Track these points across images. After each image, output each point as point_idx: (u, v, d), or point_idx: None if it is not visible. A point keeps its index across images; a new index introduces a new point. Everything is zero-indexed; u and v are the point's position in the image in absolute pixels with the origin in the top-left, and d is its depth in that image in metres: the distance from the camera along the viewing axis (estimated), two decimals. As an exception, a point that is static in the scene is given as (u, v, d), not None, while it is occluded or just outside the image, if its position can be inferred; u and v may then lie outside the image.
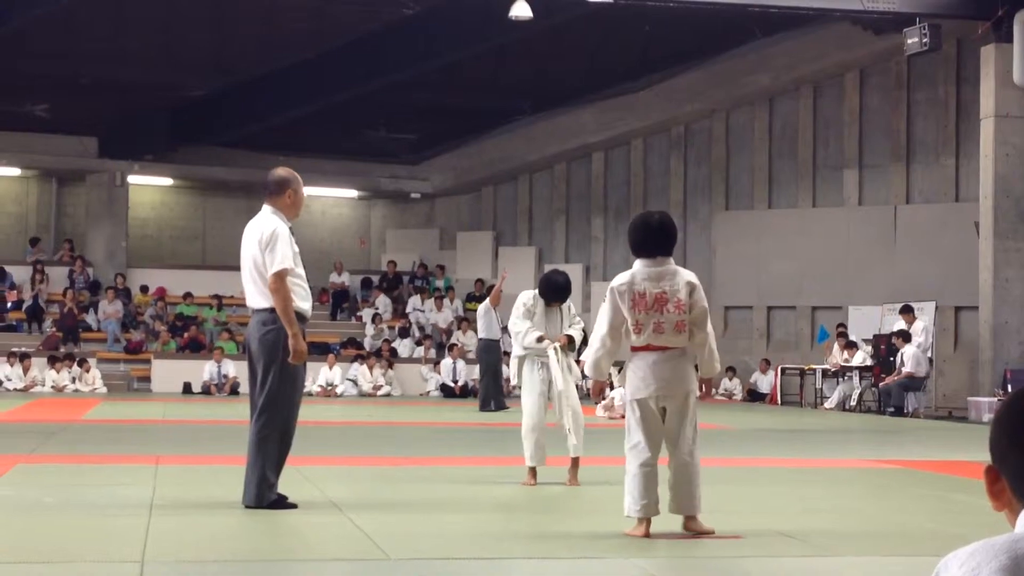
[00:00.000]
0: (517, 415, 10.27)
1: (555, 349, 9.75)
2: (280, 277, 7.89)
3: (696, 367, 7.24)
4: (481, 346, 21.29)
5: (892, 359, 22.65)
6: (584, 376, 9.91)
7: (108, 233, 30.47)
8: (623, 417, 7.73)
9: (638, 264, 7.23)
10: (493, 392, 21.16)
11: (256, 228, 8.10)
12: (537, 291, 10.01)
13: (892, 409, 22.20)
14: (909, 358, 22.30)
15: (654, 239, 7.24)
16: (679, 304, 7.08)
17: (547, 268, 29.35)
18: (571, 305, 10.13)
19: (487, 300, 21.33)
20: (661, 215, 7.46)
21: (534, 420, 9.80)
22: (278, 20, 25.54)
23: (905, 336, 22.52)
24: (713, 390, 26.09)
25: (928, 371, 22.86)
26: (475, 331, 29.95)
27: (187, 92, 28.69)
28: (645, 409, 7.10)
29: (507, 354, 27.20)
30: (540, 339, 9.79)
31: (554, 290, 9.89)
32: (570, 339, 9.85)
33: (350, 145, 31.78)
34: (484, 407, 20.74)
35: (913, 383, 22.34)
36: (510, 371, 10.43)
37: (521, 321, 9.95)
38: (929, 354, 23.03)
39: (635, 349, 7.15)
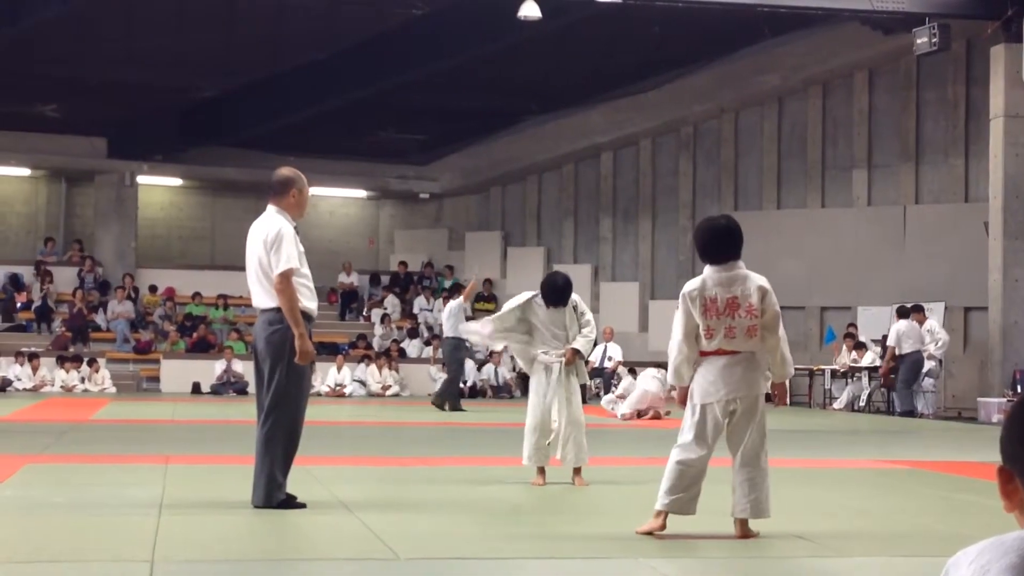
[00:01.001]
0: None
1: (555, 365, 9.77)
2: (286, 277, 7.89)
3: (769, 371, 7.25)
4: (450, 345, 21.11)
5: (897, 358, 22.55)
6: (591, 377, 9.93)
7: (117, 233, 30.52)
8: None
9: (708, 270, 7.19)
10: (451, 392, 21.00)
11: (261, 228, 8.10)
12: (539, 294, 9.95)
13: (899, 411, 22.19)
14: (893, 332, 22.27)
15: (721, 244, 7.20)
16: (751, 309, 7.07)
17: (556, 268, 29.52)
18: (578, 302, 10.04)
19: (458, 298, 21.28)
20: (727, 219, 7.43)
21: (536, 420, 9.80)
22: (287, 21, 25.55)
23: (904, 313, 22.52)
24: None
25: (933, 367, 22.82)
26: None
27: (196, 92, 28.73)
28: (708, 414, 7.07)
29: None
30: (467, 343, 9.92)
31: (553, 291, 9.85)
32: (576, 352, 9.82)
33: (359, 145, 31.80)
34: (442, 406, 20.62)
35: (909, 372, 22.14)
36: (521, 362, 10.36)
37: (504, 312, 9.98)
38: (942, 352, 23.02)
39: (704, 354, 7.13)
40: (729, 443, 7.19)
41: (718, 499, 7.26)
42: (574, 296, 10.01)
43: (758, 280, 7.18)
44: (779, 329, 7.21)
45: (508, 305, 10.10)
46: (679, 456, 7.09)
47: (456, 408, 20.65)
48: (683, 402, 7.31)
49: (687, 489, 7.04)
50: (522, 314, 9.92)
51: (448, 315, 21.07)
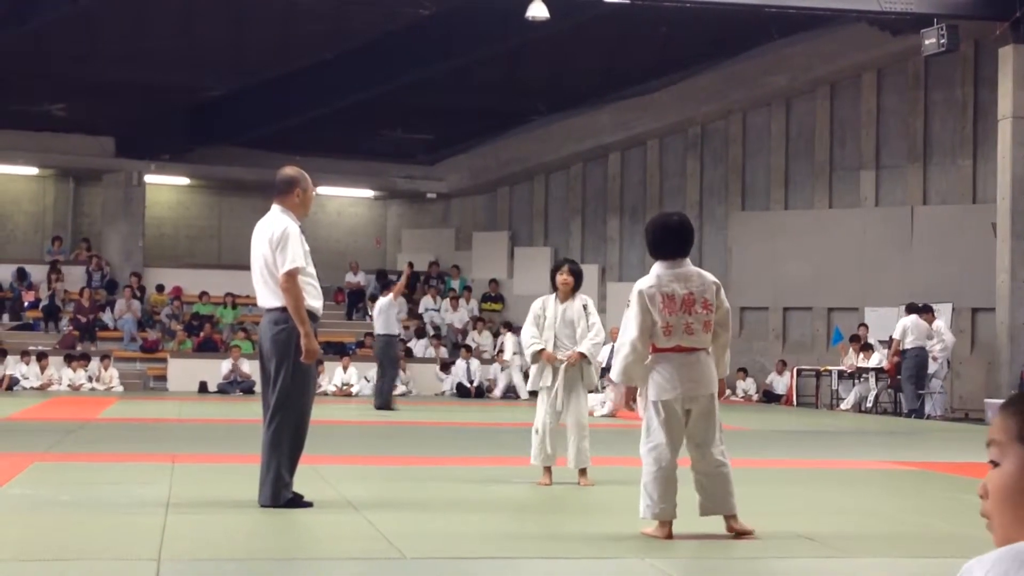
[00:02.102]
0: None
1: (561, 367, 9.78)
2: (291, 276, 7.89)
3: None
4: (381, 342, 20.78)
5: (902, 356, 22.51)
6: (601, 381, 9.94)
7: (125, 232, 30.56)
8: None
9: (658, 266, 7.20)
10: (386, 391, 20.73)
11: (266, 228, 8.10)
12: (550, 295, 10.03)
13: (906, 409, 22.17)
14: (899, 325, 22.27)
15: (675, 240, 7.23)
16: (707, 304, 7.09)
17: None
18: (588, 303, 10.07)
19: (388, 295, 20.98)
20: (680, 216, 7.45)
21: (543, 420, 9.83)
22: (295, 21, 25.56)
23: (912, 308, 22.54)
24: (727, 391, 26.08)
25: (939, 368, 22.80)
26: (490, 331, 30.07)
27: (204, 92, 28.75)
28: (670, 411, 7.07)
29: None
30: (536, 356, 9.85)
31: (556, 269, 10.00)
32: (583, 356, 9.84)
33: (366, 145, 31.81)
34: (387, 406, 20.31)
35: (912, 368, 22.11)
36: (531, 375, 10.38)
37: (530, 327, 10.00)
38: (947, 354, 23.00)
39: (659, 350, 7.11)
40: (690, 443, 7.18)
41: (689, 499, 7.24)
42: (585, 296, 10.08)
43: (710, 277, 7.24)
44: (730, 325, 7.25)
45: (533, 311, 10.11)
46: (660, 462, 7.06)
47: (388, 407, 20.19)
48: (628, 403, 7.33)
49: (674, 494, 7.05)
50: (539, 313, 10.00)
51: (379, 312, 20.76)
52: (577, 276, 10.05)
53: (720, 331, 7.16)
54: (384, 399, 20.52)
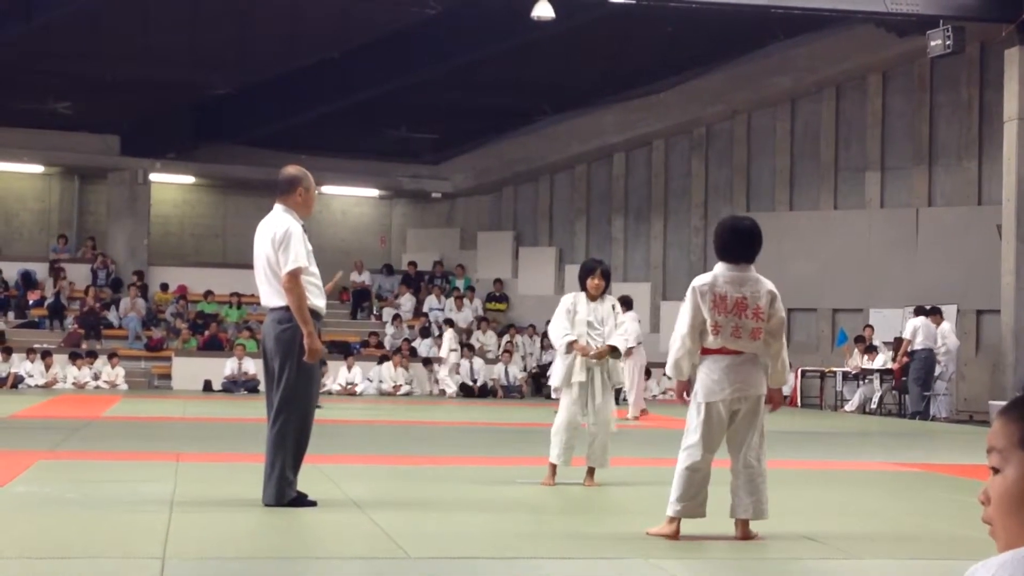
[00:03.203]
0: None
1: (593, 362, 9.72)
2: (294, 276, 7.89)
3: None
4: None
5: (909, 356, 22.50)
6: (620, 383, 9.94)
7: (130, 231, 30.59)
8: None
9: (720, 267, 7.20)
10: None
11: (269, 227, 8.10)
12: (578, 292, 10.00)
13: (911, 411, 22.16)
14: (909, 325, 22.25)
15: (743, 244, 7.23)
16: (758, 311, 7.07)
17: (567, 269, 29.58)
18: (616, 304, 10.06)
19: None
20: (752, 222, 7.46)
21: (568, 418, 9.75)
22: (301, 20, 25.57)
23: (921, 310, 22.53)
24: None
25: (944, 371, 22.78)
26: (494, 331, 30.08)
27: (209, 91, 28.77)
28: (713, 412, 7.06)
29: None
30: (570, 347, 9.77)
31: (587, 271, 9.92)
32: (612, 349, 9.78)
33: (371, 144, 31.83)
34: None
35: (920, 370, 22.09)
36: (552, 371, 10.29)
37: (561, 320, 9.90)
38: (951, 357, 22.97)
39: (707, 351, 7.12)
40: (729, 444, 7.19)
41: (723, 500, 7.25)
42: (612, 297, 10.08)
43: (768, 284, 7.21)
44: (783, 335, 7.22)
45: (560, 309, 10.05)
46: (688, 461, 7.07)
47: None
48: (680, 396, 7.31)
49: (697, 493, 7.05)
50: (571, 308, 9.95)
51: None
52: (608, 278, 10.05)
53: (771, 340, 7.13)
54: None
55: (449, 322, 28.86)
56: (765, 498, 7.12)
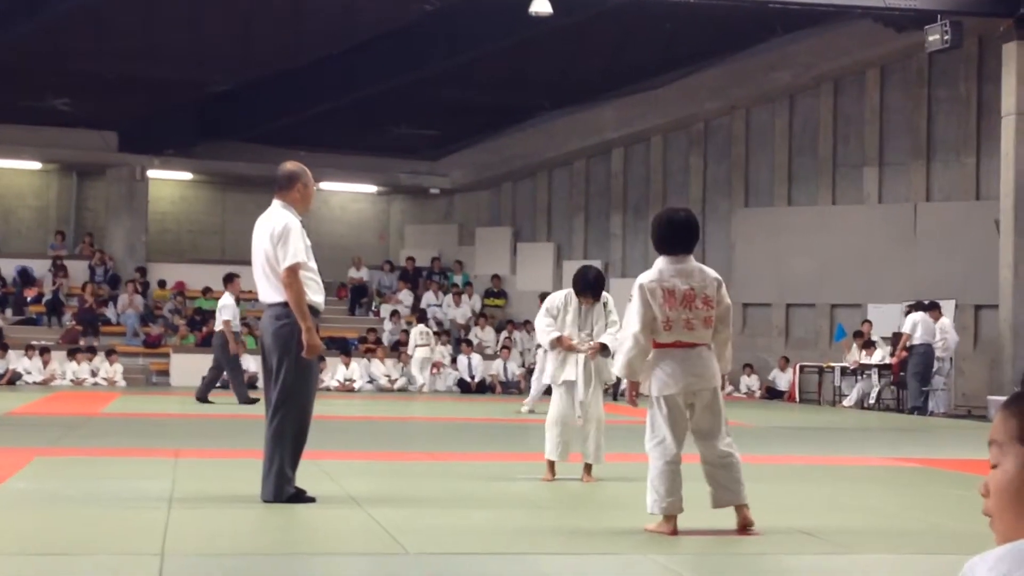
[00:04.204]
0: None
1: (584, 355, 9.72)
2: (293, 271, 7.89)
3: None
4: (221, 338, 19.88)
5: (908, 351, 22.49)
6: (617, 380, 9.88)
7: (128, 227, 30.57)
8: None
9: (662, 261, 7.22)
10: (209, 382, 20.06)
11: (267, 223, 8.10)
12: (571, 289, 9.95)
13: (910, 406, 22.17)
14: (909, 320, 22.27)
15: (680, 236, 7.25)
16: (707, 300, 7.11)
17: (566, 265, 29.56)
18: (609, 301, 10.04)
19: (226, 292, 20.39)
20: (686, 212, 7.47)
21: (560, 414, 9.77)
22: (300, 17, 25.57)
23: (920, 305, 22.55)
24: (730, 387, 26.08)
25: (942, 366, 22.79)
26: (492, 327, 30.08)
27: (208, 87, 28.75)
28: (673, 405, 7.09)
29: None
30: (555, 342, 9.78)
31: (584, 285, 9.83)
32: (603, 347, 9.77)
33: (370, 140, 31.81)
34: (243, 399, 19.64)
35: (919, 365, 22.09)
36: (544, 368, 10.29)
37: (543, 318, 9.94)
38: (950, 353, 22.98)
39: (660, 346, 7.13)
40: (696, 436, 7.20)
41: (699, 495, 7.23)
42: (606, 294, 10.02)
43: (712, 273, 7.29)
44: (730, 322, 7.27)
45: (550, 303, 10.02)
46: (665, 456, 7.07)
47: (246, 400, 19.48)
48: (633, 399, 7.31)
49: (680, 487, 7.07)
50: (560, 307, 9.93)
51: (220, 309, 20.02)
52: (599, 294, 9.92)
53: (721, 327, 7.19)
54: (239, 394, 19.87)
55: (421, 317, 28.69)
56: (743, 479, 7.16)
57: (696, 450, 7.27)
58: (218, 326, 20.07)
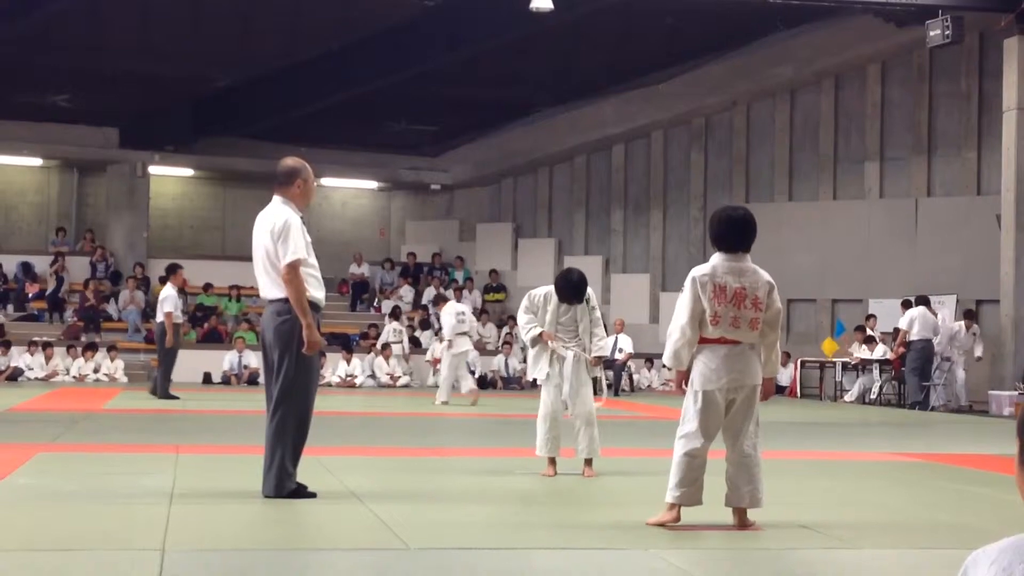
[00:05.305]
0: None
1: (569, 354, 9.74)
2: (294, 267, 7.89)
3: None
4: (161, 329, 19.79)
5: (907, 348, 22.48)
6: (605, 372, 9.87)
7: (129, 223, 30.58)
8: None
9: (718, 257, 7.21)
10: (163, 379, 19.89)
11: (268, 219, 8.09)
12: (552, 288, 9.92)
13: (910, 401, 22.16)
14: (907, 317, 22.25)
15: (738, 234, 7.24)
16: (756, 302, 7.10)
17: (566, 260, 29.51)
18: (592, 297, 10.02)
19: (168, 283, 20.13)
20: (745, 211, 7.46)
21: (548, 409, 9.81)
22: (300, 13, 25.56)
23: (921, 300, 22.53)
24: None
25: (941, 361, 22.77)
26: (494, 323, 30.07)
27: (209, 83, 28.76)
28: (710, 400, 7.09)
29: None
30: (536, 339, 9.80)
31: (568, 288, 9.78)
32: (598, 359, 9.83)
33: (371, 137, 31.82)
34: (163, 394, 19.54)
35: (917, 360, 22.06)
36: (528, 363, 10.29)
37: (523, 315, 9.96)
38: (941, 350, 22.94)
39: (705, 341, 7.14)
40: (726, 433, 7.21)
41: (718, 490, 7.25)
42: (589, 290, 10.00)
43: (765, 275, 7.25)
44: (779, 326, 7.25)
45: (530, 300, 10.02)
46: (686, 447, 7.10)
47: (167, 395, 19.50)
48: (679, 386, 7.32)
49: (696, 480, 7.08)
50: (540, 304, 9.92)
51: (161, 300, 19.82)
52: (582, 296, 9.87)
53: (768, 330, 7.16)
54: (161, 388, 19.75)
55: (395, 314, 28.62)
56: (762, 487, 7.16)
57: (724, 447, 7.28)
58: (159, 317, 19.94)
